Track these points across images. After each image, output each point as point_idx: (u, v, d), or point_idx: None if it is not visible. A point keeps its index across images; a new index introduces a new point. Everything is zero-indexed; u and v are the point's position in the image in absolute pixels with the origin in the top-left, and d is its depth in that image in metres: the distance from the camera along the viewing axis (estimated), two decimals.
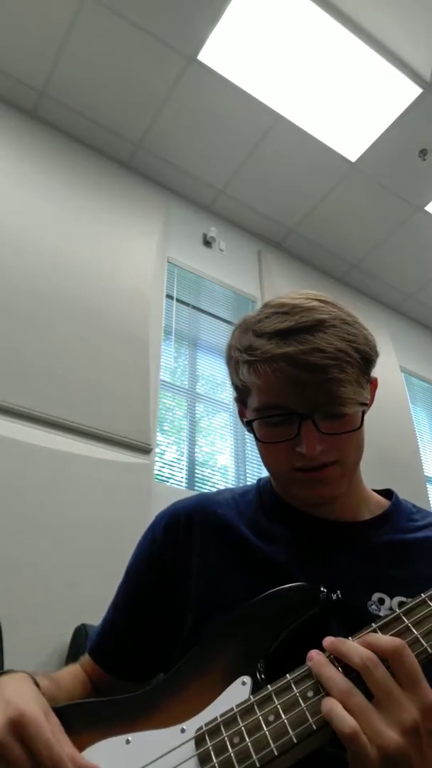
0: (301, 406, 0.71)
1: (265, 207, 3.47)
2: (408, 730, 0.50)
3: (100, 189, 2.99)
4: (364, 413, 0.74)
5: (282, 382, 0.70)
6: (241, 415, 0.83)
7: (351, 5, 2.49)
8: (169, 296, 3.01)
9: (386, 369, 3.54)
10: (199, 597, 0.76)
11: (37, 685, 0.67)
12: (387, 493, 0.88)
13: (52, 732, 0.58)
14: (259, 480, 0.91)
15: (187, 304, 3.10)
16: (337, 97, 2.85)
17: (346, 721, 0.50)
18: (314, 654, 0.58)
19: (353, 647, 0.55)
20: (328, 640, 0.58)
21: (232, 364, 0.79)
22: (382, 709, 0.51)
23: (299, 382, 0.69)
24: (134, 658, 0.83)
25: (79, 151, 3.04)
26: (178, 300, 3.06)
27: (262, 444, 0.76)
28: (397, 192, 3.34)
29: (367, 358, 0.74)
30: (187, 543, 0.81)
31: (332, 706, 0.52)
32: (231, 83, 2.80)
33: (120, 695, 0.70)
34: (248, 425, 0.77)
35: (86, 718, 0.66)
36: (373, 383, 0.80)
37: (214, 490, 0.94)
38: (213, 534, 0.81)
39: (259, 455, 0.82)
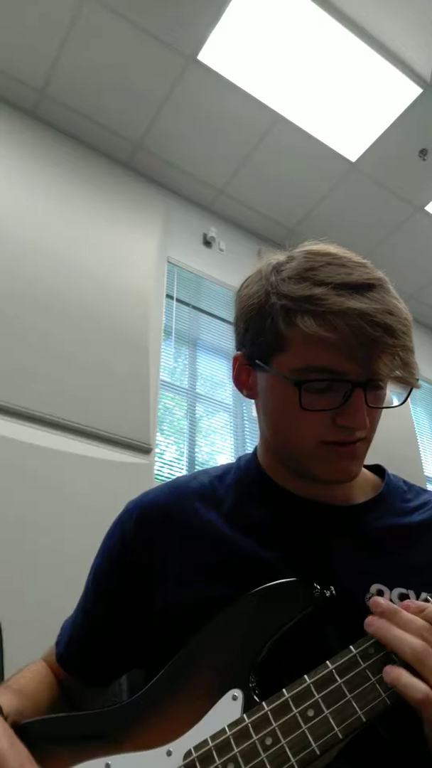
0: (357, 373, 0.62)
1: (265, 207, 3.47)
2: None
3: (100, 189, 2.99)
4: (412, 389, 0.66)
5: (352, 340, 0.60)
6: (242, 379, 0.74)
7: (351, 5, 2.49)
8: (169, 296, 3.01)
9: None
10: (178, 602, 0.69)
11: None
12: (375, 469, 0.81)
13: (20, 763, 0.54)
14: (239, 459, 0.82)
15: (187, 304, 3.10)
16: (337, 97, 2.85)
17: (416, 687, 0.48)
18: (371, 619, 0.54)
19: (409, 619, 0.52)
20: (380, 608, 0.54)
21: (276, 311, 0.65)
22: None
23: (372, 343, 0.60)
24: (105, 666, 0.78)
25: (79, 151, 3.04)
26: (178, 300, 3.05)
27: (295, 412, 0.64)
28: (397, 192, 3.34)
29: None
30: (162, 542, 0.74)
31: (397, 674, 0.49)
32: (231, 83, 2.80)
33: (94, 708, 0.63)
34: (296, 384, 0.64)
35: (59, 737, 0.60)
36: None
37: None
38: (190, 531, 0.73)
39: (266, 426, 0.73)
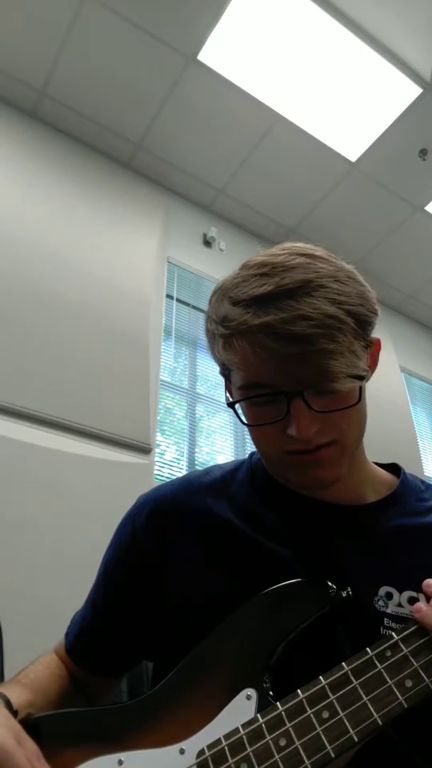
0: (288, 384, 0.61)
1: (265, 207, 3.47)
2: None
3: (100, 189, 2.99)
4: (362, 387, 0.64)
5: (262, 358, 0.60)
6: (229, 391, 0.75)
7: (351, 5, 2.49)
8: (169, 296, 3.01)
9: (386, 369, 3.54)
10: (190, 597, 0.69)
11: (8, 702, 0.61)
12: (392, 468, 0.79)
13: (28, 760, 0.53)
14: (252, 454, 0.82)
15: (187, 304, 3.10)
16: (337, 97, 2.85)
17: None
18: (421, 606, 0.56)
19: None
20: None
21: (209, 337, 0.69)
22: None
23: (282, 356, 0.59)
24: (114, 658, 0.78)
25: (79, 151, 3.04)
26: (178, 300, 3.05)
27: (249, 426, 0.67)
28: (397, 192, 3.34)
29: (363, 321, 0.64)
30: (174, 537, 0.73)
31: None
32: (231, 83, 2.80)
33: (107, 704, 0.63)
34: (233, 406, 0.68)
35: (71, 733, 0.60)
36: (376, 345, 0.69)
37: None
38: (202, 527, 0.72)
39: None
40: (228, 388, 0.74)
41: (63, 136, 3.02)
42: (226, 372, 0.71)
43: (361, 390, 0.65)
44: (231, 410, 0.69)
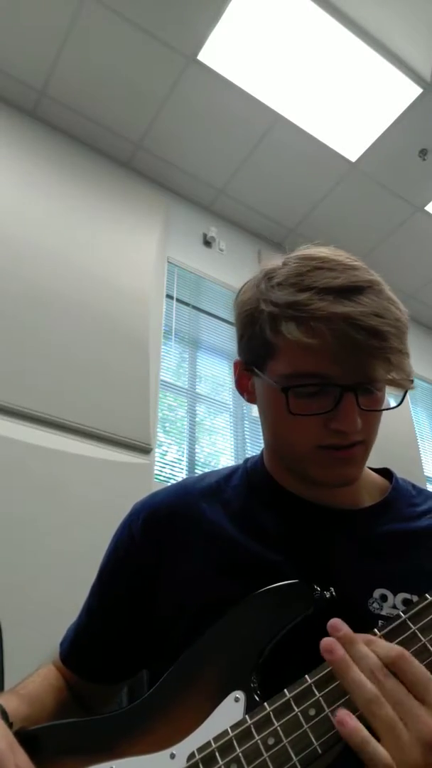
0: (346, 377, 0.62)
1: (265, 207, 3.47)
2: (429, 744, 0.45)
3: (100, 189, 2.99)
4: (407, 391, 0.67)
5: (336, 345, 0.60)
6: (242, 384, 0.75)
7: (351, 5, 2.49)
8: (169, 296, 3.01)
9: None
10: (185, 604, 0.69)
11: (3, 712, 0.62)
12: (384, 473, 0.81)
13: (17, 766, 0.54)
14: (246, 461, 0.82)
15: (187, 304, 3.10)
16: (337, 97, 2.85)
17: (380, 756, 0.44)
18: (333, 646, 0.50)
19: (364, 654, 0.49)
20: (339, 632, 0.51)
21: (264, 318, 0.66)
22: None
23: (357, 347, 0.60)
24: (110, 665, 0.77)
25: (79, 151, 3.04)
26: (178, 300, 3.05)
27: (287, 417, 0.64)
28: (397, 192, 3.34)
29: (407, 331, 0.67)
30: (169, 543, 0.74)
31: (364, 738, 0.46)
32: (231, 83, 2.80)
33: (105, 709, 0.64)
34: (286, 392, 0.64)
35: (64, 743, 0.61)
36: None
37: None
38: (198, 533, 0.73)
39: (266, 430, 0.73)
40: (243, 379, 0.74)
41: (63, 136, 3.02)
42: (259, 359, 0.68)
43: (405, 394, 0.68)
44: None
